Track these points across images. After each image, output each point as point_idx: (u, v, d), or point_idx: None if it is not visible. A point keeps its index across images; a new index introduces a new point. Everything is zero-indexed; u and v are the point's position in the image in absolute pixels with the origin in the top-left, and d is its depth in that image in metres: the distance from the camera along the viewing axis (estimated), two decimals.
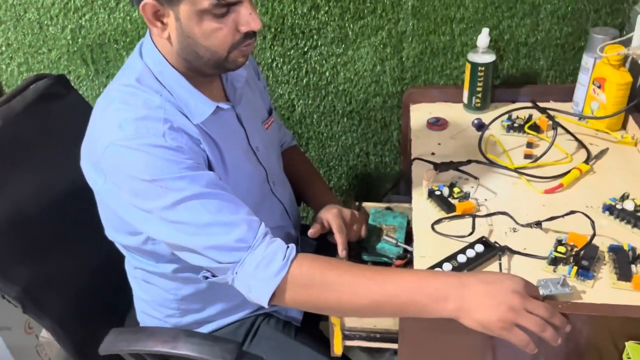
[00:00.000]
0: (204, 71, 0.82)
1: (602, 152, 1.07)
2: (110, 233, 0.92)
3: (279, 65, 1.32)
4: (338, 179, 1.50)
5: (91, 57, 1.32)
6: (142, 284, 0.97)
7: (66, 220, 1.01)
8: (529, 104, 1.21)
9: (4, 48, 1.32)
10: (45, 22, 1.28)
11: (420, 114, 1.26)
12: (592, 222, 0.81)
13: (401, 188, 1.42)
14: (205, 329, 0.99)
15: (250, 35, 0.78)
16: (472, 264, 0.82)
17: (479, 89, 1.20)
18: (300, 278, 0.74)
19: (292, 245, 0.77)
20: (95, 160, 0.78)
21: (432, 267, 0.82)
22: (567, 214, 0.86)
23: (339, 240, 0.92)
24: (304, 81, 1.34)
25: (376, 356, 1.38)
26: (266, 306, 0.76)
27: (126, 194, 0.76)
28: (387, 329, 0.82)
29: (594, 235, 0.80)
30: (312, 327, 1.05)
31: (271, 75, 1.33)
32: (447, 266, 0.82)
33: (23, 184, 0.96)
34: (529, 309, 0.68)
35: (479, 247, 0.84)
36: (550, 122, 1.14)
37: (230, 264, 0.75)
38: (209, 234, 0.74)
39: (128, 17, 1.27)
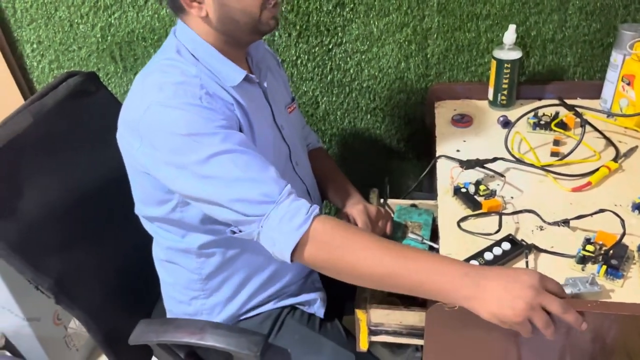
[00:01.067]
0: (242, 39, 0.88)
1: (631, 150, 1.05)
2: (140, 207, 0.95)
3: (304, 62, 1.33)
4: (361, 176, 1.50)
5: (120, 55, 1.35)
6: (167, 266, 1.00)
7: (96, 213, 1.03)
8: (556, 101, 1.20)
9: (35, 45, 1.36)
10: (76, 20, 1.31)
11: (444, 110, 1.26)
12: (622, 221, 0.80)
13: (424, 185, 1.41)
14: (229, 310, 1.00)
15: None
16: (499, 262, 0.82)
17: (504, 85, 1.19)
18: (322, 234, 0.77)
19: (316, 205, 0.80)
20: (134, 124, 0.82)
21: None
22: (595, 213, 0.85)
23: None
24: (328, 78, 1.35)
25: (397, 352, 1.38)
26: (289, 261, 0.78)
27: (162, 152, 0.80)
28: (413, 325, 0.82)
29: (623, 234, 0.80)
30: (336, 321, 1.06)
31: (296, 72, 1.34)
32: (474, 263, 0.82)
33: (54, 178, 0.99)
34: (544, 303, 0.68)
35: (506, 245, 0.84)
36: (578, 120, 1.13)
37: (256, 217, 0.78)
38: (238, 187, 0.78)
39: (156, 15, 1.29)
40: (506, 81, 1.19)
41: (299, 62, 1.33)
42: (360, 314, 0.83)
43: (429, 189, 1.33)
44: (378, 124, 1.41)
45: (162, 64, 0.85)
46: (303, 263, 0.79)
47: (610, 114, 1.14)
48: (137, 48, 1.34)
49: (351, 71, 1.33)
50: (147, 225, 0.98)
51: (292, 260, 0.78)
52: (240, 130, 0.85)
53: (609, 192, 0.96)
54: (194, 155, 0.78)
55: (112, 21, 1.30)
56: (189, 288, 0.99)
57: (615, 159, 1.02)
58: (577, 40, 1.23)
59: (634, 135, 1.10)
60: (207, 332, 0.91)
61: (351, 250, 0.76)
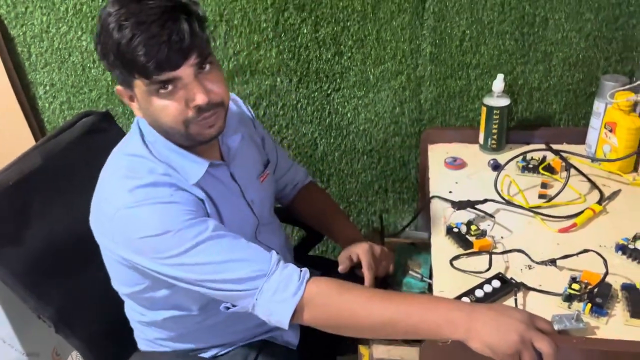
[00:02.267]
0: (182, 143, 0.85)
1: (615, 194, 1.11)
2: (112, 281, 0.97)
3: (304, 106, 1.39)
4: (357, 214, 1.55)
5: None
6: (137, 323, 1.02)
7: (97, 247, 1.06)
8: (543, 146, 1.26)
9: (47, 87, 1.42)
10: (88, 65, 1.38)
11: (437, 153, 1.32)
12: (605, 261, 0.85)
13: (419, 225, 1.46)
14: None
15: (205, 108, 0.79)
16: (489, 299, 0.86)
17: (494, 131, 1.26)
18: (317, 296, 0.79)
19: (305, 268, 0.83)
20: (105, 226, 0.83)
21: None
22: (580, 253, 0.90)
23: (367, 276, 0.96)
24: (327, 121, 1.41)
25: None
26: (286, 327, 0.80)
27: (140, 253, 0.81)
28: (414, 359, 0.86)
29: (606, 273, 0.84)
30: (311, 353, 1.07)
31: (295, 115, 1.41)
32: (466, 300, 0.85)
33: (61, 212, 1.02)
34: (534, 339, 0.71)
35: (496, 283, 0.88)
36: (564, 164, 1.19)
37: (249, 292, 0.80)
38: (226, 270, 0.80)
39: None
40: (495, 126, 1.25)
41: (299, 106, 1.39)
42: (363, 349, 0.86)
43: (424, 228, 1.38)
44: (374, 165, 1.47)
45: (131, 161, 0.85)
46: (303, 324, 0.81)
47: (594, 159, 1.20)
48: None
49: (348, 115, 1.40)
50: (121, 295, 0.99)
51: (290, 325, 0.80)
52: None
53: (593, 233, 1.01)
54: (174, 250, 0.79)
55: None
56: (159, 338, 1.01)
57: (599, 202, 1.07)
58: (562, 89, 1.31)
59: (617, 179, 1.16)
60: None
61: (348, 307, 0.79)
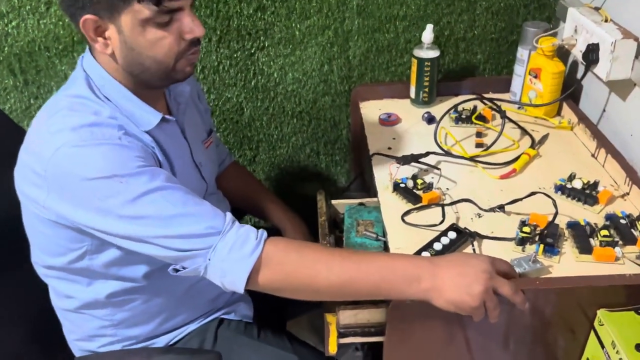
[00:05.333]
0: (152, 83, 0.81)
1: (544, 137, 1.14)
2: (39, 255, 0.86)
3: (226, 68, 1.29)
4: (290, 180, 1.49)
5: (19, 67, 1.22)
6: (71, 315, 0.92)
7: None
8: (471, 96, 1.27)
9: None
10: None
11: (369, 111, 1.28)
12: (554, 202, 0.87)
13: (356, 185, 1.44)
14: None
15: (195, 42, 0.78)
16: (448, 251, 0.85)
17: (426, 83, 1.24)
18: (275, 256, 0.74)
19: (263, 229, 0.77)
20: (39, 170, 0.73)
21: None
22: (528, 196, 0.91)
23: None
24: (252, 83, 1.32)
25: (338, 353, 1.39)
26: (242, 290, 0.74)
27: (80, 198, 0.73)
28: (381, 322, 0.83)
29: (556, 213, 0.86)
30: (272, 325, 1.03)
31: (218, 78, 1.30)
32: (425, 255, 0.84)
33: None
34: (496, 286, 0.71)
35: (452, 234, 0.87)
36: (494, 112, 1.20)
37: (201, 251, 0.73)
38: (177, 224, 0.73)
39: (60, 23, 1.18)
40: (427, 79, 1.24)
41: (220, 68, 1.29)
42: (329, 317, 0.82)
43: (360, 188, 1.36)
44: (304, 128, 1.41)
45: (72, 102, 0.77)
46: (257, 289, 0.76)
47: (521, 105, 1.23)
48: (40, 59, 1.22)
49: (275, 75, 1.32)
50: (45, 275, 0.89)
51: (245, 289, 0.74)
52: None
53: (532, 176, 1.03)
54: (120, 197, 0.71)
55: (9, 30, 1.18)
56: (99, 335, 0.92)
57: (532, 146, 1.10)
58: (486, 38, 1.32)
59: (543, 123, 1.19)
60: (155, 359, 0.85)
61: (307, 266, 0.74)
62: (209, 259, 0.73)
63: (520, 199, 0.92)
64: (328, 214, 1.03)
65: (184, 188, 0.76)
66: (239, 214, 1.23)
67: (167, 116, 0.85)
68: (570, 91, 1.12)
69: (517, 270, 0.79)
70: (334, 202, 1.06)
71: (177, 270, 0.76)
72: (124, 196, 0.71)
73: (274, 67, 1.30)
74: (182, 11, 0.76)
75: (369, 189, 1.19)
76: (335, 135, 1.43)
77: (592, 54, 1.02)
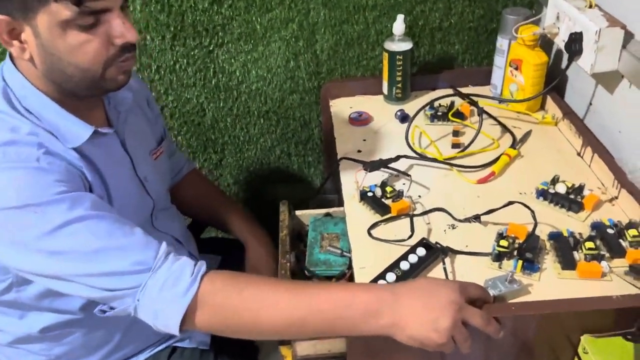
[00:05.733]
0: (78, 93, 0.72)
1: (527, 135, 1.05)
2: None
3: (183, 67, 1.19)
4: (260, 184, 1.40)
5: None
6: (7, 350, 0.83)
7: None
8: (450, 90, 1.18)
9: None
10: None
11: (340, 109, 1.19)
12: (533, 213, 0.78)
13: (327, 187, 1.35)
14: None
15: (128, 48, 0.69)
16: (416, 270, 0.76)
17: (398, 78, 1.15)
18: (213, 295, 0.65)
19: (202, 262, 0.68)
20: None
21: (375, 280, 0.75)
22: (504, 206, 0.82)
23: None
24: (213, 82, 1.23)
25: None
26: (177, 333, 0.65)
27: None
28: (342, 351, 0.74)
29: (535, 225, 0.77)
30: (232, 351, 0.95)
31: (175, 78, 1.21)
32: (391, 276, 0.75)
33: None
34: (465, 317, 0.63)
35: (421, 251, 0.79)
36: (473, 108, 1.11)
37: (129, 290, 0.64)
38: (101, 260, 0.64)
39: None
40: (399, 73, 1.14)
41: (177, 67, 1.19)
42: (284, 350, 0.73)
43: (335, 191, 1.27)
44: (273, 128, 1.32)
45: None
46: (195, 330, 0.67)
47: (502, 100, 1.14)
48: None
49: (237, 73, 1.22)
50: None
51: (180, 331, 0.65)
52: (91, 191, 0.71)
53: (512, 180, 0.95)
54: (35, 230, 0.63)
55: None
56: None
57: (513, 146, 1.01)
58: (463, 27, 1.22)
59: (526, 119, 1.10)
60: None
61: (248, 307, 0.65)
62: (138, 300, 0.64)
63: (497, 209, 0.83)
64: (291, 227, 0.94)
65: (113, 215, 0.67)
66: (200, 227, 1.15)
67: (101, 129, 0.76)
68: (554, 84, 1.03)
69: (492, 292, 0.71)
70: (298, 213, 0.98)
71: (104, 312, 0.67)
72: (39, 228, 0.63)
73: (235, 65, 1.21)
74: (110, 12, 0.67)
75: (336, 182, 1.10)
76: (307, 135, 1.34)
77: (575, 44, 0.92)
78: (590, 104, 1.03)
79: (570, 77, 1.10)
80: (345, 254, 0.87)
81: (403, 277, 0.75)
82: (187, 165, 1.08)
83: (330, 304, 0.64)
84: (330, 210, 0.97)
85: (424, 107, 1.09)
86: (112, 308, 0.67)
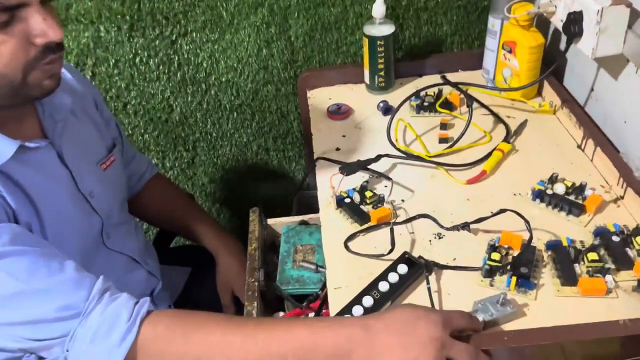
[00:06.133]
0: (2, 102, 0.62)
1: (522, 126, 0.95)
2: None
3: (144, 60, 1.09)
4: (238, 182, 1.31)
5: None
6: None
7: None
8: (437, 78, 1.08)
9: None
10: None
11: (318, 101, 1.09)
12: (528, 224, 0.69)
13: (311, 182, 1.26)
14: None
15: (53, 48, 0.60)
16: (397, 292, 0.67)
17: (380, 66, 1.05)
18: (154, 342, 0.57)
19: (144, 299, 0.59)
20: None
21: (350, 305, 0.66)
22: (496, 214, 0.73)
23: None
24: (178, 75, 1.12)
25: None
26: None
27: None
28: None
29: (531, 238, 0.68)
30: None
31: (136, 72, 1.10)
32: (368, 300, 0.66)
33: None
34: (450, 355, 0.55)
35: (402, 268, 0.69)
36: (463, 96, 1.01)
37: (55, 340, 0.56)
38: (22, 305, 0.56)
39: None
40: (381, 61, 1.04)
41: (137, 60, 1.09)
42: None
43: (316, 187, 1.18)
44: (248, 122, 1.22)
45: None
46: None
47: (496, 89, 1.03)
48: None
49: (204, 65, 1.12)
50: None
51: None
52: (15, 220, 0.62)
53: (505, 179, 0.85)
54: None
55: None
56: None
57: (507, 139, 0.91)
58: (452, 6, 1.11)
59: (521, 107, 1.00)
60: None
61: (195, 354, 0.56)
62: (67, 350, 0.56)
63: (488, 217, 0.74)
64: (262, 238, 0.86)
65: (38, 249, 0.58)
66: (170, 236, 1.06)
67: (30, 143, 0.66)
68: (552, 69, 0.92)
69: (482, 317, 0.62)
70: (270, 221, 0.88)
71: None
72: None
73: (202, 55, 1.10)
74: (27, 7, 0.57)
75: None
76: (285, 128, 1.24)
77: (574, 24, 0.82)
78: (592, 89, 0.93)
79: (569, 59, 1.00)
80: (320, 269, 0.78)
81: (381, 300, 0.66)
82: (150, 169, 0.98)
83: (291, 346, 0.55)
84: (307, 217, 0.88)
85: (408, 98, 0.99)
86: (41, 358, 0.58)
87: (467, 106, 0.94)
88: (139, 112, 1.15)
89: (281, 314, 0.78)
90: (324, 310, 0.73)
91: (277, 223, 0.88)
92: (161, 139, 1.20)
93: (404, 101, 0.97)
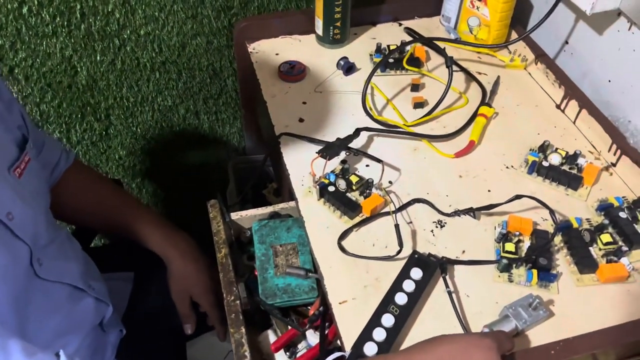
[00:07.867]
0: None
1: (496, 84, 0.88)
2: None
3: (35, 11, 0.83)
4: (162, 151, 1.11)
5: None
6: None
7: None
8: (392, 26, 0.97)
9: None
10: None
11: (265, 56, 0.92)
12: (553, 215, 0.62)
13: (248, 145, 1.11)
14: None
15: None
16: (416, 302, 0.59)
17: (337, 15, 0.89)
18: None
19: None
20: None
21: (368, 327, 0.56)
22: (510, 200, 0.66)
23: (213, 315, 0.73)
24: (82, 29, 0.88)
25: None
26: None
27: None
28: None
29: (556, 230, 0.62)
30: None
31: (24, 27, 0.84)
32: (389, 319, 0.56)
33: None
34: None
35: (416, 273, 0.60)
36: (427, 50, 0.91)
37: None
38: None
39: None
40: (339, 9, 0.89)
41: (25, 10, 0.82)
42: None
43: (258, 145, 1.04)
44: (172, 83, 1.01)
45: None
46: None
47: (471, 44, 0.93)
48: None
49: (117, 15, 0.88)
50: None
51: None
52: None
53: (494, 149, 0.78)
54: None
55: None
56: None
57: (486, 102, 0.83)
58: None
59: (489, 61, 0.92)
60: None
61: None
62: None
63: (502, 204, 0.66)
64: (229, 241, 0.71)
65: None
66: (89, 234, 0.87)
67: None
68: (538, 24, 0.83)
69: (517, 324, 0.56)
70: (234, 216, 0.73)
71: None
72: None
73: (112, 3, 0.86)
74: None
75: (276, 164, 0.86)
76: (218, 87, 1.05)
77: None
78: (567, 42, 0.87)
79: (535, 5, 0.93)
80: (310, 274, 0.66)
81: (402, 317, 0.57)
82: (65, 158, 0.76)
83: None
84: (278, 207, 0.75)
85: (379, 64, 0.84)
86: None
87: (447, 66, 0.83)
88: (32, 77, 0.90)
89: (270, 332, 0.66)
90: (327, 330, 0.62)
91: (242, 218, 0.74)
92: (64, 109, 0.96)
93: (376, 68, 0.83)
